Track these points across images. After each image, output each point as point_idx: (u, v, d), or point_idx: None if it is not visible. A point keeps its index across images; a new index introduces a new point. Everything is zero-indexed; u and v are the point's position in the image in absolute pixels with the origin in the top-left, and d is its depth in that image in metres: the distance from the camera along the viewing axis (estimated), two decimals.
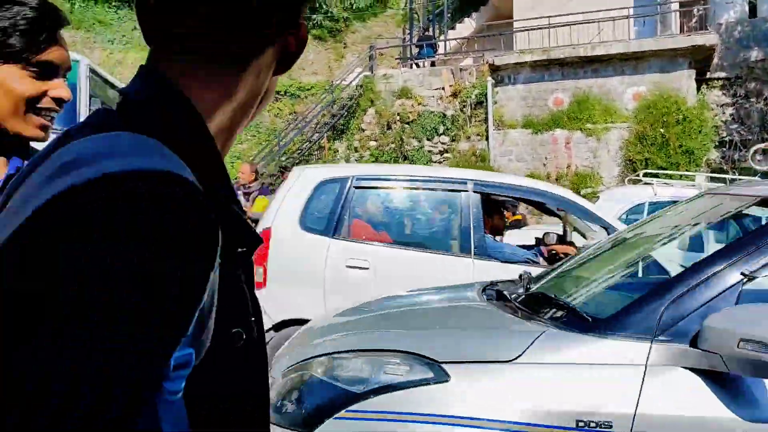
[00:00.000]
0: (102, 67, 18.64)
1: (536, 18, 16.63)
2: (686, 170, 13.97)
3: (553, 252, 4.53)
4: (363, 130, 17.39)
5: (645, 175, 8.02)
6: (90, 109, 8.47)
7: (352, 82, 18.18)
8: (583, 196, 14.51)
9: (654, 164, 14.07)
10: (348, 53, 21.47)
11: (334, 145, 17.55)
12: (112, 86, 9.88)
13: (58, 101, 1.11)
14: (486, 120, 16.06)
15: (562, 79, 15.93)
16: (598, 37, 16.08)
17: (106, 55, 19.60)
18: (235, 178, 10.58)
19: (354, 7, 21.64)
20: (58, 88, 1.12)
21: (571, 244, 4.85)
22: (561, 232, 5.11)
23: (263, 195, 7.72)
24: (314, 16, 21.13)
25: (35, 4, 1.09)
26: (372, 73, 18.18)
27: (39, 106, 1.12)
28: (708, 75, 15.32)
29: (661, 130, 14.12)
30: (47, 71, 1.12)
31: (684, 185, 8.03)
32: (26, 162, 0.79)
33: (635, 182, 8.18)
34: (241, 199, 7.60)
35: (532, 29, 16.70)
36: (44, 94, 1.12)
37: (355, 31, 21.92)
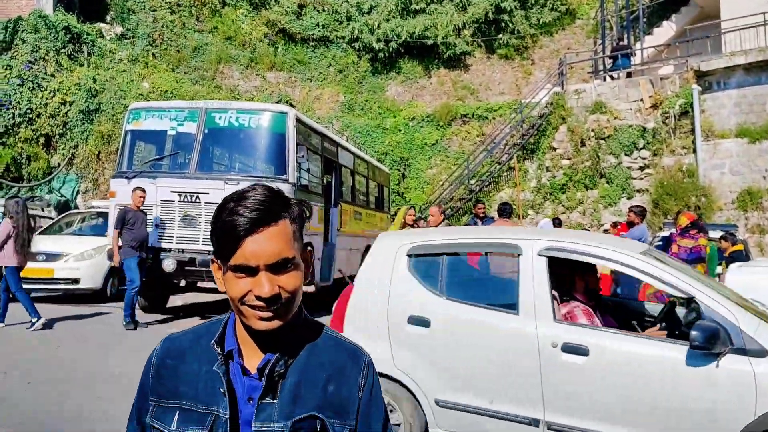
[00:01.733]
0: (302, 104, 20.16)
1: (748, 15, 15.02)
2: None
3: None
4: (554, 149, 16.88)
5: None
6: (298, 156, 9.10)
7: (542, 99, 17.75)
8: None
9: None
10: (536, 70, 21.00)
11: (524, 166, 17.22)
12: (315, 132, 10.55)
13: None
14: (692, 131, 14.79)
15: None
16: None
17: (305, 92, 21.08)
18: (421, 218, 10.81)
19: (540, 22, 21.14)
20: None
21: None
22: None
23: None
24: (500, 36, 21.00)
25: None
26: (563, 89, 17.62)
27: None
28: None
29: None
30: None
31: None
32: None
33: None
34: None
35: (744, 28, 15.13)
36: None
37: (543, 46, 21.38)
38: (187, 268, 8.79)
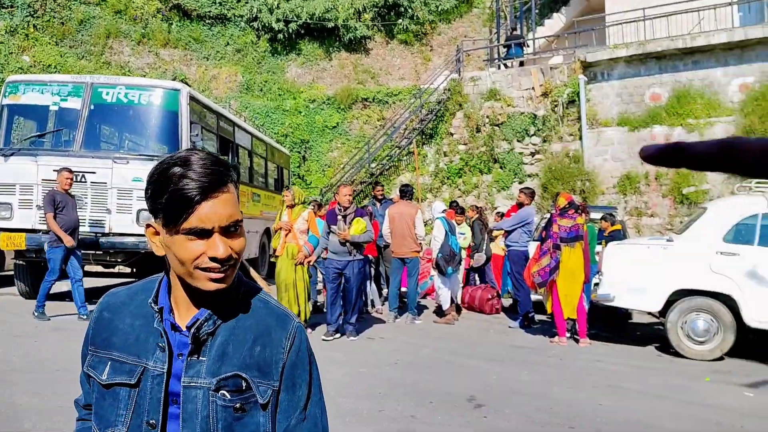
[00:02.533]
0: (198, 83, 19.54)
1: (630, 10, 15.96)
2: None
3: None
4: (452, 134, 17.30)
5: (758, 183, 7.50)
6: (191, 135, 8.85)
7: (440, 85, 18.12)
8: (686, 196, 13.91)
9: None
10: (434, 56, 21.39)
11: (423, 150, 17.55)
12: (211, 110, 10.28)
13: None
14: (579, 119, 15.60)
15: (660, 73, 15.25)
16: (699, 26, 15.26)
17: (202, 71, 20.43)
18: (317, 201, 10.67)
19: (439, 9, 21.52)
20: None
21: None
22: None
23: (359, 216, 7.75)
24: (399, 21, 21.20)
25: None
26: (459, 75, 18.05)
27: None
28: None
29: None
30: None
31: None
32: None
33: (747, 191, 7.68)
34: (340, 222, 7.66)
35: (626, 22, 16.08)
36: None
37: (441, 33, 21.79)
38: None
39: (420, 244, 9.42)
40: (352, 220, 7.68)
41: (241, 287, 1.31)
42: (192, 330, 1.22)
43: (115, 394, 1.24)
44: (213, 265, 1.17)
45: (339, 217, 7.70)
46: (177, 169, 1.17)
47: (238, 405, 1.22)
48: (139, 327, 1.27)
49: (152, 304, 1.26)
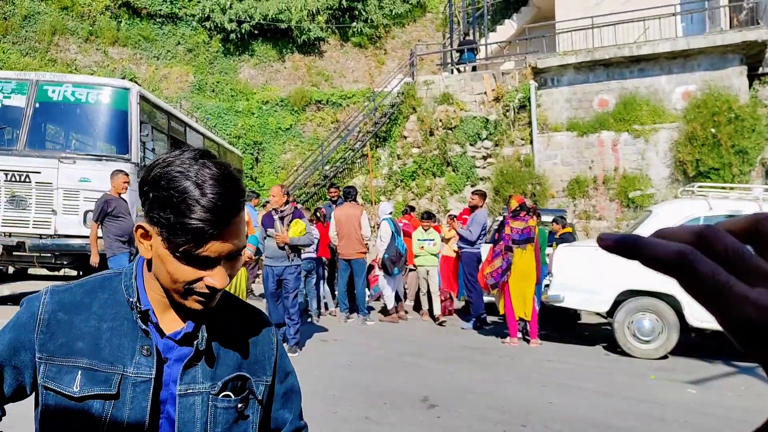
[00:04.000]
0: (148, 82, 19.14)
1: (579, 18, 16.36)
2: (739, 170, 13.56)
3: None
4: (405, 137, 17.39)
5: (700, 187, 7.79)
6: (141, 135, 8.67)
7: (394, 89, 18.20)
8: (632, 199, 14.32)
9: (705, 165, 13.70)
10: (388, 60, 21.48)
11: (377, 153, 17.59)
12: (162, 110, 10.10)
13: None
14: (530, 124, 15.89)
15: (608, 79, 15.65)
16: (644, 35, 15.73)
17: (152, 70, 20.04)
18: (265, 202, 10.52)
19: (393, 13, 21.63)
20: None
21: None
22: None
23: (297, 218, 7.22)
24: (354, 24, 21.22)
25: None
26: (413, 79, 18.17)
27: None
28: (761, 71, 14.83)
29: (712, 129, 13.73)
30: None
31: (741, 196, 7.80)
32: None
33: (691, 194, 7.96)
34: (277, 224, 7.07)
35: (575, 30, 16.46)
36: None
37: (395, 36, 21.91)
38: (15, 253, 8.09)
39: (366, 245, 9.47)
40: (290, 222, 7.11)
41: None
42: (196, 340, 1.17)
43: (88, 408, 1.10)
44: (206, 291, 1.11)
45: (276, 218, 7.11)
46: (189, 189, 1.05)
47: (239, 405, 1.21)
48: (108, 330, 1.14)
49: (137, 304, 1.15)
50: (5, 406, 1.17)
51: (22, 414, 1.46)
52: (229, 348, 1.23)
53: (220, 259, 1.10)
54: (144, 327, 1.15)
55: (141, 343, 1.14)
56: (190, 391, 1.16)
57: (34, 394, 1.16)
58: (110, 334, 1.15)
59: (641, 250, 0.36)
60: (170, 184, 1.07)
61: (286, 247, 7.04)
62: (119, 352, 1.13)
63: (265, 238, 7.17)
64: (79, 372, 1.12)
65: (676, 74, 14.96)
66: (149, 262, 1.17)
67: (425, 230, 9.85)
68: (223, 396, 1.18)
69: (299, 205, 8.57)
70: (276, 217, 7.10)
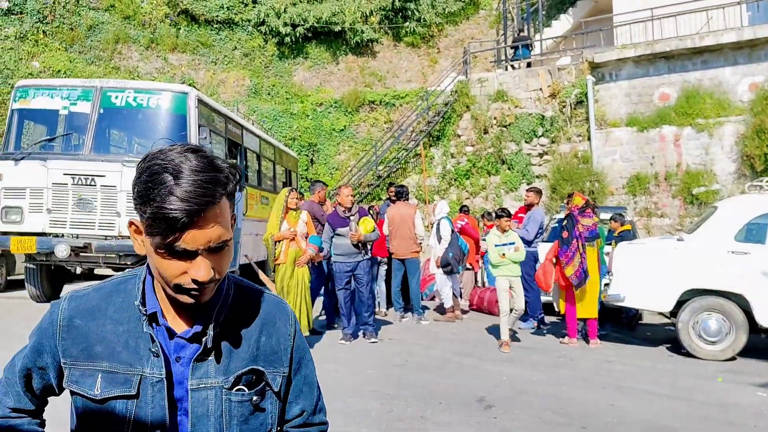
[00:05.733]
0: (206, 87, 19.60)
1: (638, 10, 15.90)
2: None
3: None
4: (459, 136, 17.27)
5: None
6: (200, 138, 8.87)
7: (447, 87, 18.09)
8: (696, 196, 13.81)
9: None
10: (441, 58, 21.38)
11: (430, 152, 17.53)
12: (219, 114, 10.31)
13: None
14: (587, 120, 15.53)
15: (669, 73, 15.17)
16: (707, 26, 15.17)
17: (210, 75, 20.50)
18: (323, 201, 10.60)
19: (446, 12, 21.51)
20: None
21: None
22: None
23: (363, 216, 7.84)
24: (406, 24, 21.20)
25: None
26: (466, 77, 18.03)
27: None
28: None
29: None
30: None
31: None
32: None
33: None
34: (352, 223, 7.66)
35: (634, 22, 16.02)
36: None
37: (448, 35, 21.78)
38: (81, 254, 8.40)
39: (420, 244, 9.40)
40: (358, 220, 7.72)
41: (232, 284, 1.27)
42: (205, 338, 1.17)
43: (111, 409, 1.15)
44: (193, 286, 1.11)
45: (350, 218, 7.69)
46: (165, 179, 1.06)
47: (254, 398, 1.21)
48: (124, 333, 1.18)
49: (140, 307, 1.17)
50: (48, 399, 1.31)
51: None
52: (245, 341, 1.22)
53: (198, 251, 1.09)
54: (149, 330, 1.17)
55: (149, 346, 1.17)
56: (202, 385, 1.17)
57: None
58: (127, 336, 1.18)
59: None
60: (150, 177, 1.08)
61: (359, 243, 7.67)
62: (136, 353, 1.17)
63: (332, 237, 7.68)
64: (100, 375, 1.16)
65: (742, 65, 14.37)
66: None
67: (503, 232, 7.72)
68: (236, 390, 1.19)
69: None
70: (350, 217, 7.69)
